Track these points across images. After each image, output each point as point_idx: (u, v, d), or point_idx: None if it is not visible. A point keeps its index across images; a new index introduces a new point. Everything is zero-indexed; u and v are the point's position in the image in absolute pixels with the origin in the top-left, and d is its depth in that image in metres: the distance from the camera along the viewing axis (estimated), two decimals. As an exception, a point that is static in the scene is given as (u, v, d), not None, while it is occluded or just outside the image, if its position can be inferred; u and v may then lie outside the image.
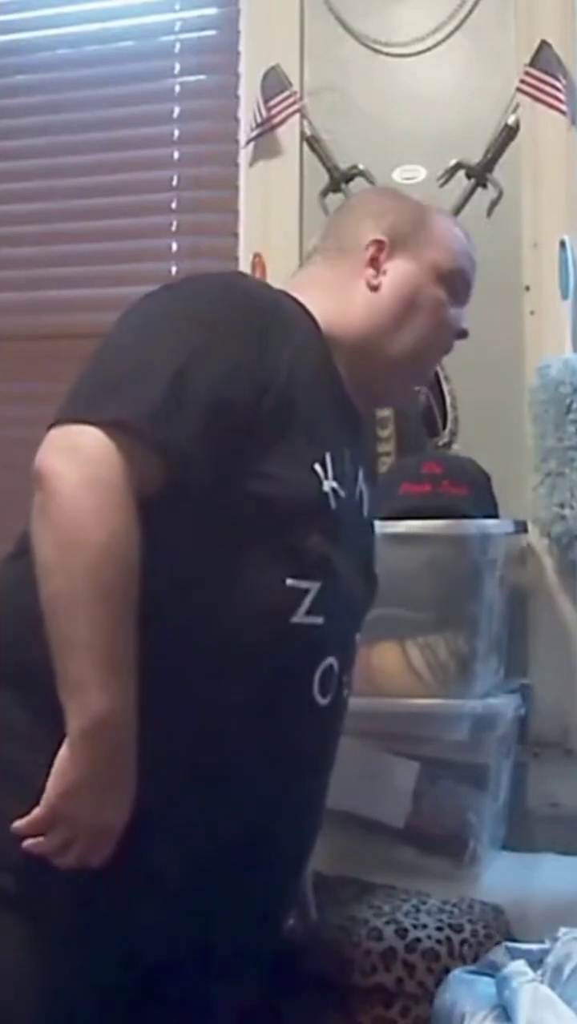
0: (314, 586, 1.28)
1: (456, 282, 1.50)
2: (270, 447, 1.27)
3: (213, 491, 1.23)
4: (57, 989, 1.20)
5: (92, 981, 1.22)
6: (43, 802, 1.17)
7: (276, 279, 1.99)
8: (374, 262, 1.47)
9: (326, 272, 1.49)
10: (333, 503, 1.31)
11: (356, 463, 1.42)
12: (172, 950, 1.27)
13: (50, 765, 1.18)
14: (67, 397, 1.24)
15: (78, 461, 1.17)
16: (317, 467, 1.30)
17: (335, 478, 1.32)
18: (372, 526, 1.54)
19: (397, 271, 1.47)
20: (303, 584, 1.28)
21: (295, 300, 1.41)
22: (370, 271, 1.46)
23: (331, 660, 1.33)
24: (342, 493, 1.34)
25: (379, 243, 1.47)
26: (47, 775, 1.18)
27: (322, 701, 1.32)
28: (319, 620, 1.29)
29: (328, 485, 1.31)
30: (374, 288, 1.46)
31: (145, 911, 1.23)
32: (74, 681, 1.17)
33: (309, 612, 1.28)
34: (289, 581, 1.27)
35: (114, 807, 1.19)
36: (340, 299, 1.45)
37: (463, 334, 1.53)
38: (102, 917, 1.21)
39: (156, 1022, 1.31)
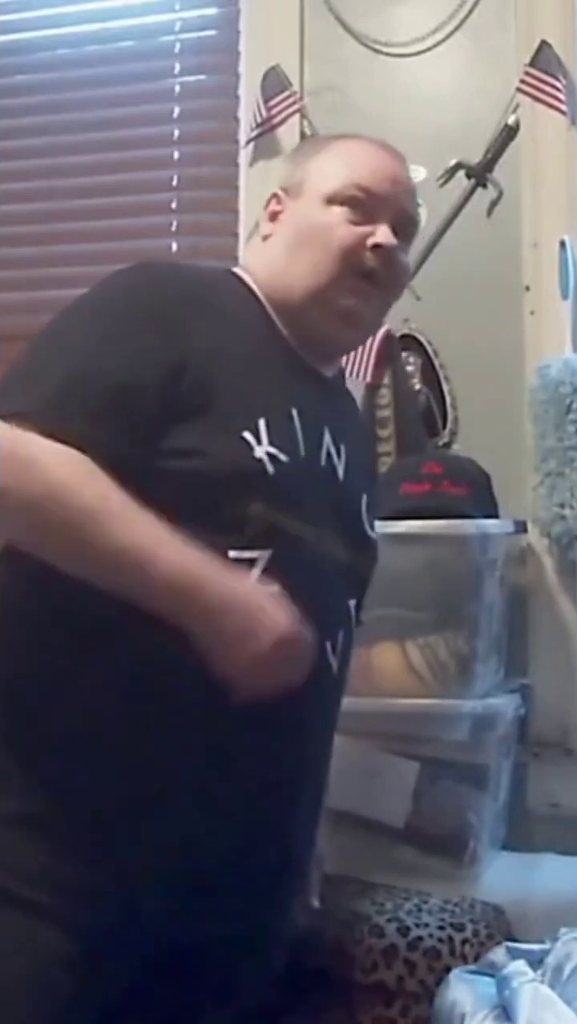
0: (262, 555, 1.26)
1: (352, 196, 1.40)
2: (192, 423, 1.26)
3: (136, 474, 1.22)
4: (57, 987, 1.20)
5: (94, 977, 1.22)
6: (229, 673, 1.18)
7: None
8: (273, 216, 1.46)
9: (251, 239, 1.50)
10: (271, 468, 1.28)
11: (320, 423, 1.39)
12: (175, 938, 1.27)
13: (21, 762, 1.22)
14: None
15: None
16: (247, 435, 1.28)
17: (274, 443, 1.29)
18: (360, 486, 1.48)
19: (287, 215, 1.44)
20: (247, 555, 1.26)
21: (233, 274, 1.43)
22: (267, 224, 1.46)
23: None
24: (284, 457, 1.30)
25: (275, 196, 1.46)
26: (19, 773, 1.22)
27: None
28: (271, 589, 1.26)
29: (261, 451, 1.28)
30: (266, 238, 1.45)
31: (147, 899, 1.24)
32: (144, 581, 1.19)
33: (259, 581, 1.26)
34: (232, 553, 1.25)
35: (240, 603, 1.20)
36: (251, 261, 1.47)
37: (387, 253, 1.40)
38: (103, 909, 1.22)
39: (158, 1016, 1.30)
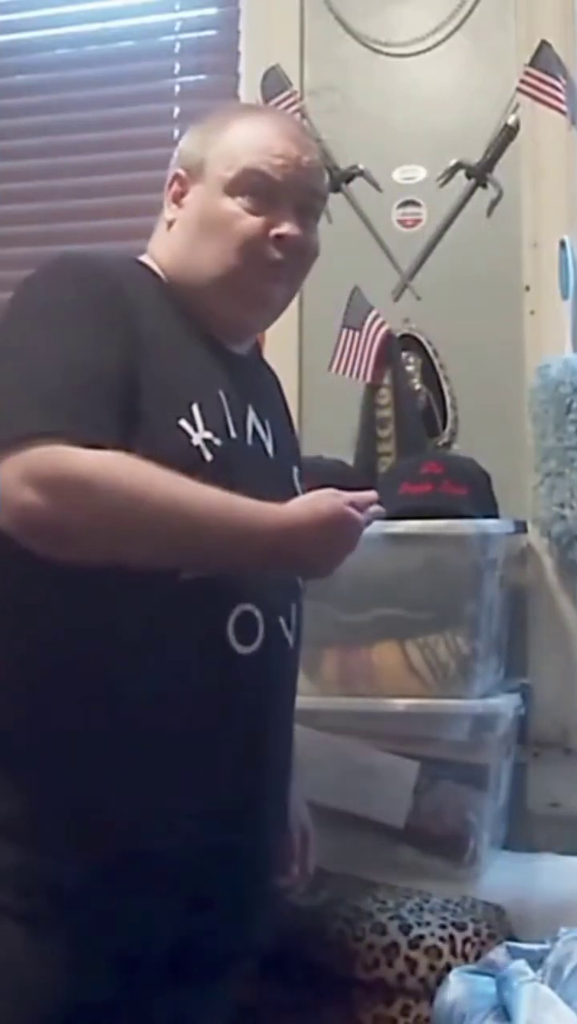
0: None
1: (251, 185, 1.36)
2: (135, 413, 1.24)
3: None
4: (55, 989, 1.21)
5: (93, 974, 1.22)
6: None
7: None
8: (176, 197, 1.42)
9: (159, 224, 1.45)
10: (208, 455, 1.28)
11: (244, 401, 1.38)
12: (164, 934, 1.28)
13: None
14: None
15: (45, 482, 1.15)
16: (184, 423, 1.27)
17: (209, 427, 1.29)
18: (289, 459, 1.49)
19: (189, 200, 1.40)
20: None
21: (140, 263, 1.40)
22: (171, 207, 1.42)
23: (247, 607, 1.31)
24: (218, 441, 1.30)
25: (177, 177, 1.42)
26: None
27: (244, 650, 1.30)
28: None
29: (199, 438, 1.28)
30: (170, 224, 1.42)
31: (130, 894, 1.24)
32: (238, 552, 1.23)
33: None
34: None
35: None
36: (156, 244, 1.44)
37: (290, 240, 1.37)
38: (93, 910, 1.22)
39: (157, 1011, 1.30)
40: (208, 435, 1.29)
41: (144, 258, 1.43)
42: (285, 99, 2.27)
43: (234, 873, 1.32)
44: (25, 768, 1.25)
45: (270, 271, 1.38)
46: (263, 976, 1.53)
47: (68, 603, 1.25)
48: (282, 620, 1.37)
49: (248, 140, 1.38)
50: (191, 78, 2.48)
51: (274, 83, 2.29)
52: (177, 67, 2.48)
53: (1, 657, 1.28)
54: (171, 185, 1.43)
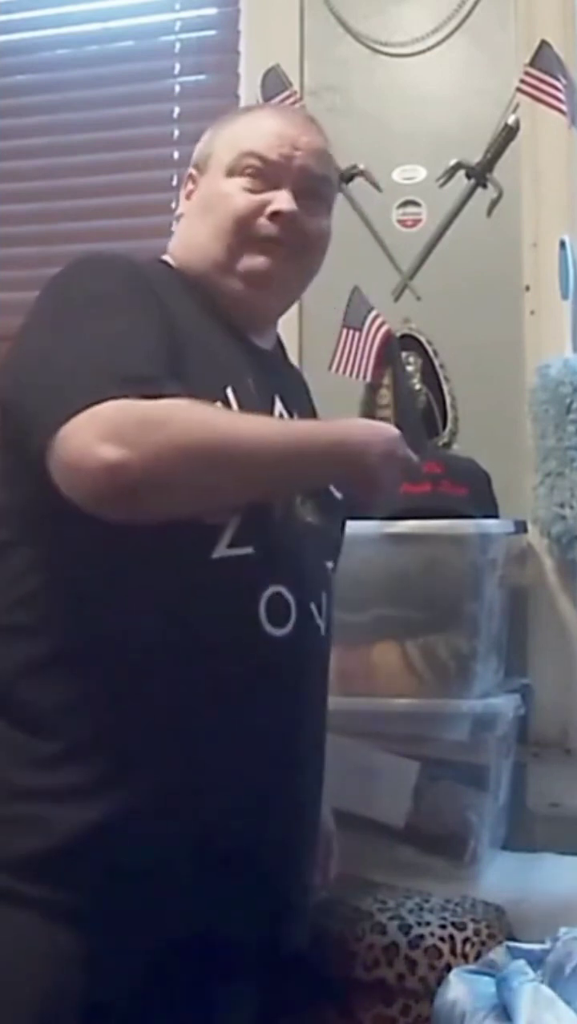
0: (234, 518, 1.27)
1: (249, 165, 1.40)
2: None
3: None
4: (65, 985, 1.20)
5: (100, 973, 1.21)
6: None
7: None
8: (188, 195, 1.47)
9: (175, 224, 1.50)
10: None
11: (271, 391, 1.41)
12: (179, 933, 1.26)
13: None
14: (46, 402, 1.20)
15: (137, 435, 1.16)
16: (219, 405, 1.29)
17: (242, 409, 1.31)
18: None
19: (196, 191, 1.46)
20: (217, 519, 1.27)
21: (159, 260, 1.44)
22: (183, 204, 1.48)
23: (278, 589, 1.31)
24: None
25: (188, 175, 1.48)
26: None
27: (276, 632, 1.30)
28: (248, 550, 1.28)
29: None
30: (179, 218, 1.47)
31: (160, 883, 1.23)
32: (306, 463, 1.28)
33: (233, 544, 1.27)
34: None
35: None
36: (173, 242, 1.48)
37: (286, 217, 1.39)
38: (107, 909, 1.21)
39: (167, 1008, 1.29)
40: None
41: (164, 257, 1.46)
42: (285, 99, 2.27)
43: (263, 862, 1.31)
44: (50, 743, 1.24)
45: (265, 245, 1.40)
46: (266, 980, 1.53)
47: (101, 581, 1.25)
48: (313, 606, 1.36)
49: (250, 126, 1.44)
50: (191, 78, 2.48)
51: (274, 83, 2.29)
52: (177, 67, 2.48)
53: (38, 639, 1.27)
54: (185, 185, 1.48)
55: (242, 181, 1.40)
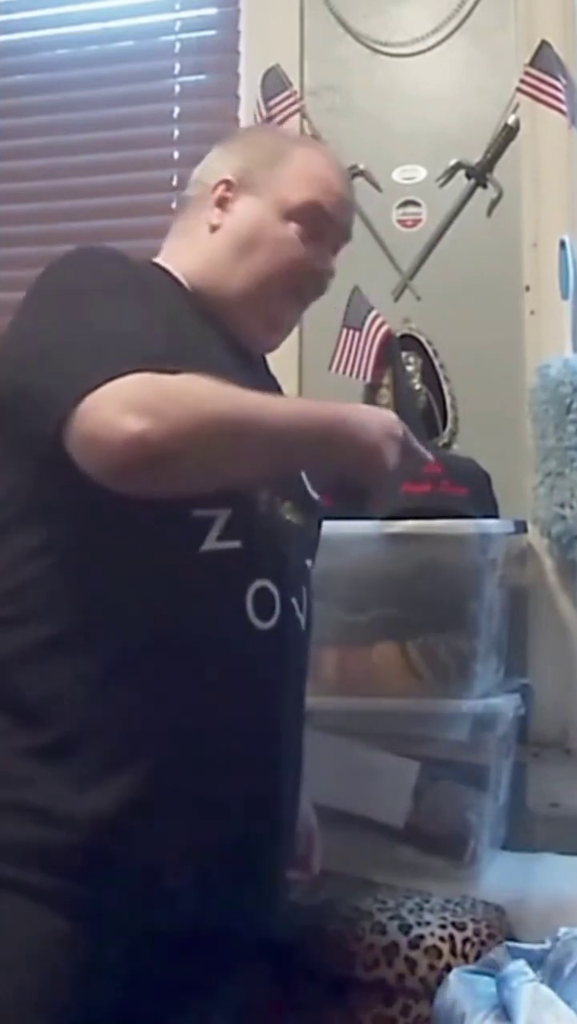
0: (222, 513, 1.29)
1: (310, 217, 1.44)
2: None
3: None
4: (64, 982, 1.20)
5: (91, 956, 1.21)
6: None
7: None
8: (221, 202, 1.46)
9: (179, 223, 1.49)
10: None
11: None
12: (167, 923, 1.26)
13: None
14: (61, 379, 1.20)
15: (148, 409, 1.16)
16: None
17: None
18: None
19: (241, 209, 1.45)
20: (209, 512, 1.28)
21: (153, 264, 1.44)
22: (215, 211, 1.46)
23: (263, 583, 1.33)
24: None
25: (226, 183, 1.45)
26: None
27: (263, 625, 1.32)
28: (236, 544, 1.30)
29: None
30: (214, 228, 1.45)
31: (148, 875, 1.23)
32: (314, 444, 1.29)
33: (221, 538, 1.29)
34: (196, 512, 1.28)
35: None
36: (187, 246, 1.46)
37: (322, 276, 1.47)
38: (100, 907, 1.21)
39: (163, 1007, 1.29)
40: None
41: (159, 260, 1.45)
42: (285, 99, 2.28)
43: (249, 851, 1.31)
44: (39, 733, 1.24)
45: (297, 299, 1.47)
46: (263, 976, 1.53)
47: (92, 573, 1.25)
48: (295, 600, 1.38)
49: (312, 170, 1.46)
50: (191, 78, 2.48)
51: (274, 83, 2.29)
52: (177, 67, 2.48)
53: (27, 629, 1.27)
54: (215, 188, 1.46)
55: (297, 227, 1.43)
